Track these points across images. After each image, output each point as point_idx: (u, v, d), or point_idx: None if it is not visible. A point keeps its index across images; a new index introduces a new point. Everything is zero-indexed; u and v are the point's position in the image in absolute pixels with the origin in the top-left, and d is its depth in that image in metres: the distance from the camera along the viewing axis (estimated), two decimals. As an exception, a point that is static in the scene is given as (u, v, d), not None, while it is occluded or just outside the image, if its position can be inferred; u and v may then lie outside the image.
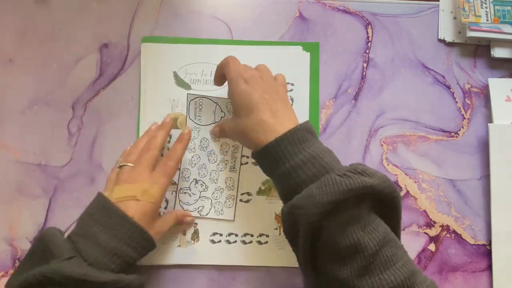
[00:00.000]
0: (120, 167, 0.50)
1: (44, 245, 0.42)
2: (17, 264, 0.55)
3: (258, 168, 0.55)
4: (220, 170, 0.56)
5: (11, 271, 0.54)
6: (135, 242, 0.44)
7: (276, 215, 0.56)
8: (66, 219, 0.55)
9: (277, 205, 0.56)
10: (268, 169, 0.46)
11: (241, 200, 0.56)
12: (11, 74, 0.58)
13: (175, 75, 0.58)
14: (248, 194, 0.56)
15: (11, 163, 0.56)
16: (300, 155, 0.42)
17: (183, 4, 0.61)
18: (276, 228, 0.55)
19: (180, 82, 0.58)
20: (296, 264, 0.54)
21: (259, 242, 0.55)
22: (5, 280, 0.54)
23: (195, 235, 0.55)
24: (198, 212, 0.55)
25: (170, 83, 0.58)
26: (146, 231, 0.45)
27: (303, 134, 0.44)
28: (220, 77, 0.53)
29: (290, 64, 0.59)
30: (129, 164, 0.49)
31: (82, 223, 0.45)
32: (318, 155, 0.42)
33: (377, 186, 0.40)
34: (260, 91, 0.47)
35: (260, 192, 0.56)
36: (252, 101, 0.47)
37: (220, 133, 0.55)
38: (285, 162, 0.43)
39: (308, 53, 0.59)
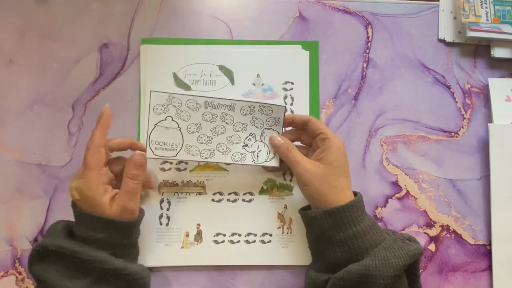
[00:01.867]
0: None
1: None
2: (17, 264, 0.55)
3: (258, 168, 0.56)
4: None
5: (11, 271, 0.54)
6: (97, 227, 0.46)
7: (279, 214, 0.56)
8: (66, 219, 0.54)
9: (280, 204, 0.56)
10: (329, 229, 0.46)
11: (243, 200, 0.56)
12: (11, 74, 0.58)
13: (175, 76, 0.58)
14: (251, 194, 0.56)
15: (11, 163, 0.56)
16: (366, 222, 0.47)
17: (183, 4, 0.61)
18: (279, 227, 0.55)
19: (180, 83, 0.58)
20: (299, 263, 0.54)
21: (263, 242, 0.55)
22: (5, 280, 0.54)
23: (198, 236, 0.55)
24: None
25: (170, 84, 0.58)
26: (95, 215, 0.46)
27: (363, 201, 0.49)
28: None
29: (290, 63, 0.59)
30: None
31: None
32: (375, 223, 0.48)
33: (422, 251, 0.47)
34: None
35: (262, 191, 0.56)
36: (346, 163, 0.50)
37: (293, 163, 0.50)
38: (356, 225, 0.46)
39: (307, 52, 0.59)
